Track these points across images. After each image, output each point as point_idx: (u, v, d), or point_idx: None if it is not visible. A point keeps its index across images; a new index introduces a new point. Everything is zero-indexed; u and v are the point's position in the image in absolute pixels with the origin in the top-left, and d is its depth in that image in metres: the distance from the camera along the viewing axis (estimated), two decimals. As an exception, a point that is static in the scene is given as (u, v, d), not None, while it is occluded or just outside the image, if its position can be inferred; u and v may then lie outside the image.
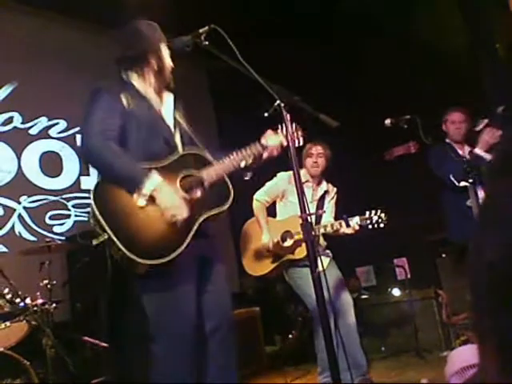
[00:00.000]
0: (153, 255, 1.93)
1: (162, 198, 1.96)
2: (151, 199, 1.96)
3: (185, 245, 1.97)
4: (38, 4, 4.81)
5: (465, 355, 2.22)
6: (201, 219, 2.05)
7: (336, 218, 3.39)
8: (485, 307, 0.47)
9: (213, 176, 2.10)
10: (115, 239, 1.90)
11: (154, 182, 1.95)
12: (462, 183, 3.32)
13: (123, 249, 1.89)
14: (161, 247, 1.95)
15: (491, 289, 0.46)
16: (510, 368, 0.45)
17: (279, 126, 2.16)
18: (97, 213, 1.92)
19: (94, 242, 2.00)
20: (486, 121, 3.33)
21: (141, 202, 1.96)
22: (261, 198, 3.42)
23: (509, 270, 0.44)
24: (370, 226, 3.16)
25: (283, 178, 3.40)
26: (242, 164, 2.24)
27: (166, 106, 2.25)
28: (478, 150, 3.32)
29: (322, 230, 3.23)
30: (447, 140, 3.66)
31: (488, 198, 0.52)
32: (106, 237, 1.90)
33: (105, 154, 1.98)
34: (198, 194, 2.07)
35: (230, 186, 2.16)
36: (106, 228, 1.91)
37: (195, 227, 2.02)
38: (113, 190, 1.99)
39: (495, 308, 0.45)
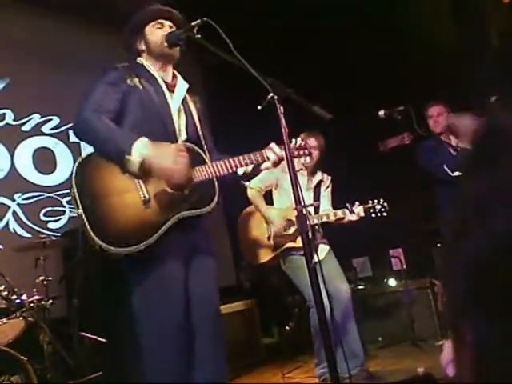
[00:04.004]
0: (121, 242, 1.91)
1: (156, 160, 1.94)
2: (144, 169, 1.94)
3: (154, 237, 1.94)
4: (31, 1, 4.76)
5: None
6: (178, 216, 2.02)
7: (333, 207, 3.41)
8: (461, 306, 0.46)
9: (202, 176, 2.08)
10: (84, 219, 1.90)
11: (143, 144, 1.93)
12: (456, 173, 3.34)
13: (89, 230, 1.89)
14: (130, 235, 1.94)
15: (468, 289, 0.45)
16: (485, 368, 0.45)
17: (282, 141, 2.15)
18: (74, 188, 1.94)
19: (60, 225, 2.03)
20: (465, 115, 3.38)
21: (134, 166, 1.93)
22: (255, 185, 3.42)
23: (488, 270, 0.43)
24: (374, 215, 3.19)
25: None
26: (241, 171, 2.23)
27: (176, 92, 2.23)
28: (460, 144, 3.36)
29: (324, 219, 3.25)
30: (434, 134, 3.72)
31: (465, 192, 0.51)
32: (79, 213, 1.91)
33: (95, 124, 1.98)
34: (184, 190, 2.04)
35: (217, 191, 2.12)
36: (79, 205, 1.91)
37: (170, 221, 1.99)
38: (96, 167, 1.99)
39: (471, 308, 0.45)
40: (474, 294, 0.45)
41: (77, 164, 2.00)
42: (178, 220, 2.02)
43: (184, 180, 2.00)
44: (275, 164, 2.21)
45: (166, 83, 2.21)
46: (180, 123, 2.19)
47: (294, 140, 2.26)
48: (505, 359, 0.43)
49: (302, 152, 2.25)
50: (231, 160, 2.13)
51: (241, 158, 2.15)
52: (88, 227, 1.90)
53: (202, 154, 2.17)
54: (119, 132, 2.01)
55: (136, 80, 2.11)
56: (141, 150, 1.93)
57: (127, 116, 2.08)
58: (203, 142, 2.25)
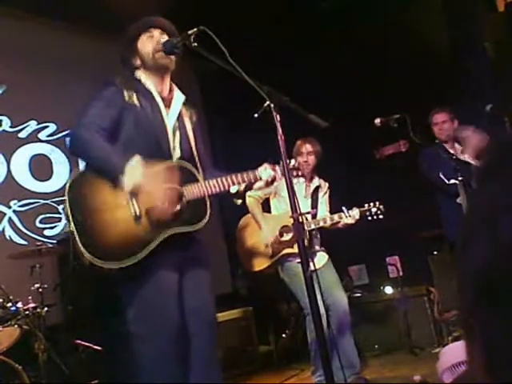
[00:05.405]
0: (110, 257, 1.94)
1: (143, 185, 1.95)
2: (133, 190, 1.96)
3: (144, 253, 1.96)
4: (28, 8, 4.77)
5: (456, 351, 2.24)
6: (168, 233, 2.03)
7: (330, 213, 3.42)
8: (472, 306, 0.48)
9: (194, 194, 2.09)
10: (75, 233, 1.92)
11: (136, 165, 1.94)
12: (452, 181, 3.36)
13: (80, 245, 1.91)
14: (121, 251, 1.96)
15: (479, 289, 0.47)
16: (497, 367, 0.46)
17: (276, 164, 2.16)
18: (67, 204, 1.96)
19: (56, 232, 2.05)
20: (470, 127, 3.39)
21: (127, 187, 1.93)
22: (254, 193, 3.42)
23: (497, 271, 0.45)
24: (370, 218, 3.20)
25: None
26: (233, 190, 2.23)
27: (173, 107, 2.23)
28: (466, 157, 3.37)
29: (321, 224, 3.26)
30: (437, 141, 3.73)
31: (476, 199, 0.54)
32: (70, 228, 1.94)
33: (89, 142, 2.00)
34: (175, 208, 2.05)
35: (208, 209, 2.14)
36: (71, 220, 1.94)
37: (161, 238, 2.01)
38: (89, 183, 2.01)
39: (483, 307, 0.46)
40: (483, 293, 0.46)
41: (70, 180, 2.03)
42: (169, 235, 2.03)
43: (166, 209, 2.01)
44: (267, 184, 2.22)
45: (162, 98, 2.20)
46: (175, 141, 2.19)
47: (288, 161, 2.28)
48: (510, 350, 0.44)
49: (295, 173, 2.27)
50: (223, 178, 2.14)
51: (233, 176, 2.16)
52: (78, 242, 1.92)
53: (195, 172, 2.18)
54: (113, 151, 2.01)
55: (133, 96, 2.11)
56: (133, 171, 1.94)
57: (122, 134, 2.09)
58: (197, 159, 2.25)
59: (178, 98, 2.27)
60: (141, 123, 2.10)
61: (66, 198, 1.97)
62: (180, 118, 2.25)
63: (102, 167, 1.99)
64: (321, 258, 3.39)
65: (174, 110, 2.23)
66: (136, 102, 2.11)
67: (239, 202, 2.32)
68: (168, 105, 2.22)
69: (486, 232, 0.47)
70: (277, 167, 2.18)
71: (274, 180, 2.20)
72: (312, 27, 5.31)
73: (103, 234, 1.97)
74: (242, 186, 2.24)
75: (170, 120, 2.19)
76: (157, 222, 2.01)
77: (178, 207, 2.06)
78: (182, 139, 2.22)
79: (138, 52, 2.21)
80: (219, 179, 2.14)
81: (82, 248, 1.91)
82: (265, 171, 2.20)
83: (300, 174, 2.25)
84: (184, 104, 2.28)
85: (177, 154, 2.18)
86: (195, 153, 2.26)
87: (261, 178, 2.19)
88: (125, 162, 1.94)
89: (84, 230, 1.95)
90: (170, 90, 2.26)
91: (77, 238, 1.92)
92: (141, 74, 2.23)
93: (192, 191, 2.09)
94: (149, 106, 2.14)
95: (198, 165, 2.24)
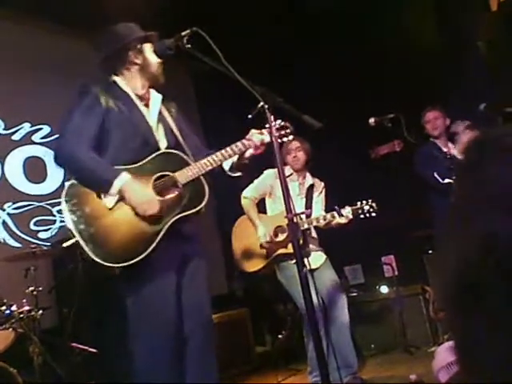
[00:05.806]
0: (120, 258, 1.94)
1: (131, 195, 1.97)
2: (121, 199, 1.98)
3: (152, 246, 1.97)
4: (21, 9, 4.75)
5: (452, 350, 2.24)
6: (172, 220, 2.04)
7: (326, 212, 3.42)
8: (456, 307, 0.48)
9: (187, 177, 2.10)
10: (82, 243, 1.93)
11: (122, 180, 1.97)
12: (446, 180, 3.37)
13: (89, 252, 1.92)
14: (129, 250, 1.97)
15: (461, 289, 0.47)
16: (482, 366, 0.46)
17: (264, 127, 2.17)
18: (67, 216, 1.97)
19: (64, 245, 2.06)
20: (466, 122, 3.40)
21: (110, 202, 1.97)
22: (249, 194, 3.44)
23: (477, 270, 0.45)
24: (362, 216, 3.20)
25: (270, 175, 3.43)
26: (227, 166, 2.24)
27: (151, 106, 2.25)
28: (456, 153, 3.39)
29: (314, 223, 3.26)
30: (431, 139, 3.76)
31: (455, 200, 0.54)
32: (75, 240, 1.94)
33: (76, 155, 2.00)
34: (171, 194, 2.07)
35: (206, 188, 2.15)
36: (75, 232, 1.94)
37: (165, 228, 2.02)
38: (83, 193, 2.01)
39: (465, 307, 0.46)
40: (462, 293, 0.46)
41: (65, 190, 2.02)
42: (171, 228, 2.04)
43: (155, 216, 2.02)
44: (258, 149, 2.22)
45: (140, 98, 2.22)
46: (159, 134, 2.21)
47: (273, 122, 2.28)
48: (488, 347, 0.44)
49: (283, 132, 2.27)
50: (214, 155, 2.16)
51: (223, 151, 2.17)
52: (88, 251, 1.93)
53: (185, 156, 2.19)
54: (101, 166, 2.02)
55: (111, 102, 2.11)
56: (120, 187, 1.96)
57: (109, 139, 2.09)
58: (185, 147, 2.26)
59: (156, 97, 2.29)
60: (125, 126, 2.11)
61: (64, 210, 1.98)
62: (160, 113, 2.27)
63: (90, 182, 2.01)
64: (318, 258, 3.39)
65: (154, 108, 2.25)
66: (114, 106, 2.11)
67: (238, 174, 2.31)
68: (146, 104, 2.24)
69: (461, 231, 0.47)
70: (264, 130, 2.18)
71: (263, 144, 2.20)
72: (312, 27, 5.31)
73: (110, 238, 1.97)
74: (235, 158, 2.24)
75: (150, 117, 2.21)
76: (159, 213, 2.01)
77: (176, 192, 2.06)
78: (166, 130, 2.24)
79: (142, 54, 2.21)
80: (210, 157, 2.15)
81: (92, 255, 1.92)
82: (254, 135, 2.20)
83: (288, 132, 2.25)
84: (162, 101, 2.29)
85: (163, 144, 2.19)
86: (182, 142, 2.26)
87: (250, 146, 2.19)
88: (112, 178, 1.96)
89: (89, 237, 1.95)
90: (147, 90, 2.28)
91: (85, 247, 1.92)
92: (115, 75, 2.22)
93: (186, 174, 2.10)
94: (128, 108, 2.15)
95: (188, 151, 2.24)
